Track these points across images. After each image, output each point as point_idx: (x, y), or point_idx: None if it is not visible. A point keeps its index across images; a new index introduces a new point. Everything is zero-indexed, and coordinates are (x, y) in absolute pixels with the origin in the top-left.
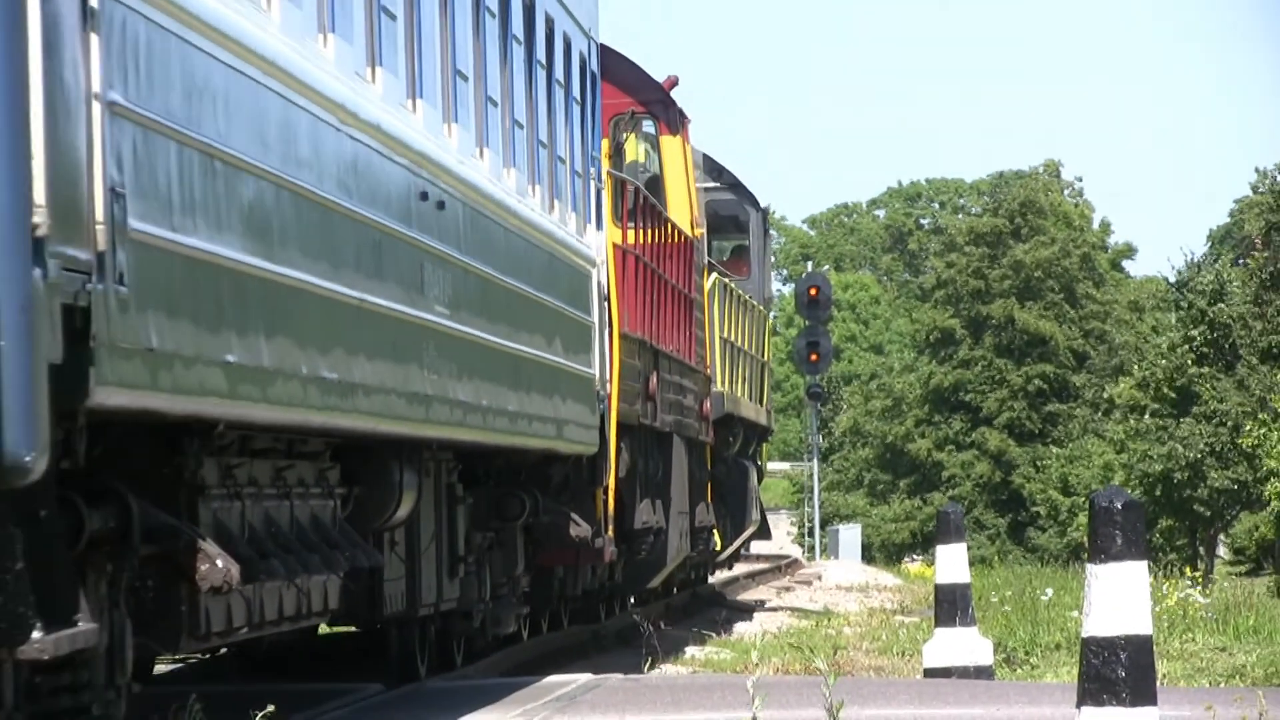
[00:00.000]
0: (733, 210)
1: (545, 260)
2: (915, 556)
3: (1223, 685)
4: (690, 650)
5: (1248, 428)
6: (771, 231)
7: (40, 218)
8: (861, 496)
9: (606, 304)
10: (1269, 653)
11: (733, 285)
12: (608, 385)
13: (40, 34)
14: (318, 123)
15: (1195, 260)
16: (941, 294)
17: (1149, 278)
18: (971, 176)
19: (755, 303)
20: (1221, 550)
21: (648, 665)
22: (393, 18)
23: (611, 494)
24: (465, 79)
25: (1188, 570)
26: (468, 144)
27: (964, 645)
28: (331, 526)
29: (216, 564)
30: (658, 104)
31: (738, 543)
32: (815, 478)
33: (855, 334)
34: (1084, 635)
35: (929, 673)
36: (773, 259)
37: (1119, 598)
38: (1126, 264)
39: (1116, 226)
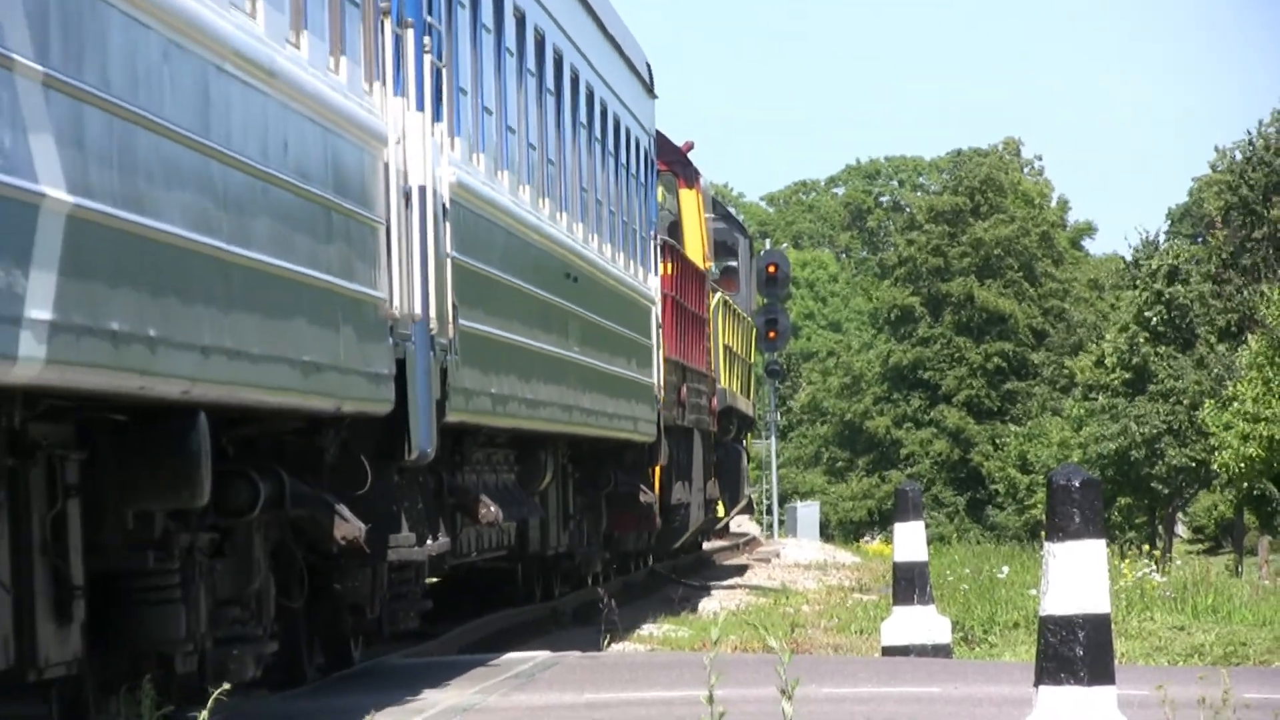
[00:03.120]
0: (724, 237)
1: (627, 304)
2: (873, 535)
3: (1181, 664)
4: (648, 628)
5: (1207, 405)
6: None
7: (433, 325)
8: (820, 474)
9: (660, 331)
10: (1227, 631)
11: (730, 301)
12: (660, 391)
13: (432, 224)
14: (524, 242)
15: (1151, 239)
16: (901, 271)
17: (1108, 256)
18: (931, 154)
19: (744, 314)
20: (1180, 529)
21: (606, 643)
22: (553, 164)
23: (658, 479)
24: (586, 190)
25: (1146, 549)
26: (587, 234)
27: (922, 623)
28: (513, 491)
29: (490, 509)
30: (678, 164)
31: (734, 512)
32: (773, 455)
33: (814, 311)
34: (1042, 614)
35: (887, 651)
36: (756, 276)
37: (1077, 576)
38: (1086, 243)
39: (1076, 205)
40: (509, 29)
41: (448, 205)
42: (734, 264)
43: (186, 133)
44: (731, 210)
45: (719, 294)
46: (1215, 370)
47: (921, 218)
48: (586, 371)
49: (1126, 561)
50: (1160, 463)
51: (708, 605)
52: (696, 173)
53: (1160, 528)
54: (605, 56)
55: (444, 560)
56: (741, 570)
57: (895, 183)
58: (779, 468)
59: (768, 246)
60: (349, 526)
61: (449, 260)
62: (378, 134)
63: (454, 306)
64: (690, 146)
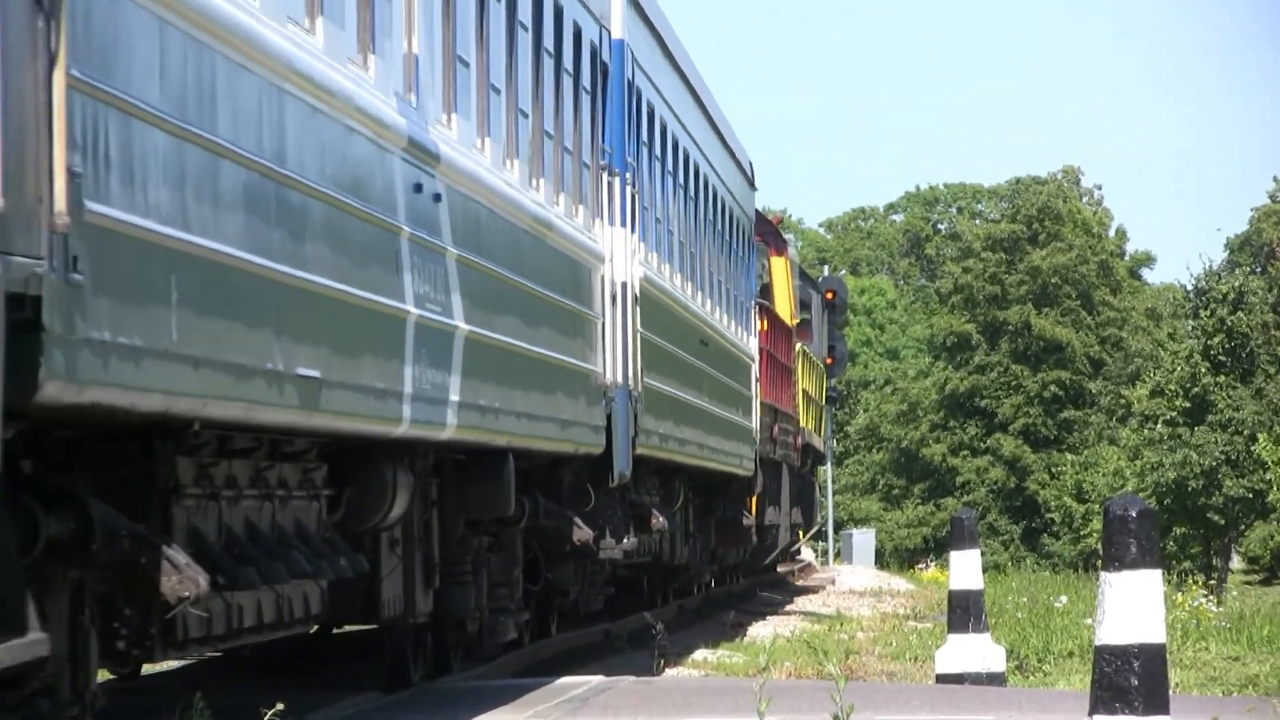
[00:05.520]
0: (801, 294)
1: (735, 361)
2: (928, 562)
3: (1235, 695)
4: (702, 653)
5: (1261, 439)
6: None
7: (630, 384)
8: (875, 501)
9: (758, 382)
10: None
11: (807, 350)
12: (757, 432)
13: (629, 311)
14: (678, 318)
15: (1214, 268)
16: (958, 299)
17: (1166, 285)
18: (989, 182)
19: (817, 360)
20: (1235, 560)
21: (660, 668)
22: (693, 254)
23: (754, 505)
24: (711, 272)
25: (1201, 579)
26: (712, 307)
27: (977, 651)
28: (661, 510)
29: (659, 520)
30: (770, 235)
31: (809, 534)
32: (829, 482)
33: (871, 338)
34: (1097, 643)
35: (941, 679)
36: (828, 328)
37: (1133, 606)
38: (1144, 272)
39: (1134, 234)
40: (669, 155)
41: (637, 295)
42: (809, 317)
43: (510, 275)
44: (791, 236)
45: (799, 344)
46: (1274, 400)
47: (978, 245)
48: (712, 417)
49: (1182, 591)
50: (1217, 493)
51: (762, 631)
52: (785, 242)
53: (1215, 558)
54: (725, 163)
55: (629, 557)
56: (796, 596)
57: (954, 210)
58: (835, 494)
59: (825, 273)
60: (582, 533)
61: (638, 336)
62: (600, 255)
63: (640, 369)
64: (779, 220)
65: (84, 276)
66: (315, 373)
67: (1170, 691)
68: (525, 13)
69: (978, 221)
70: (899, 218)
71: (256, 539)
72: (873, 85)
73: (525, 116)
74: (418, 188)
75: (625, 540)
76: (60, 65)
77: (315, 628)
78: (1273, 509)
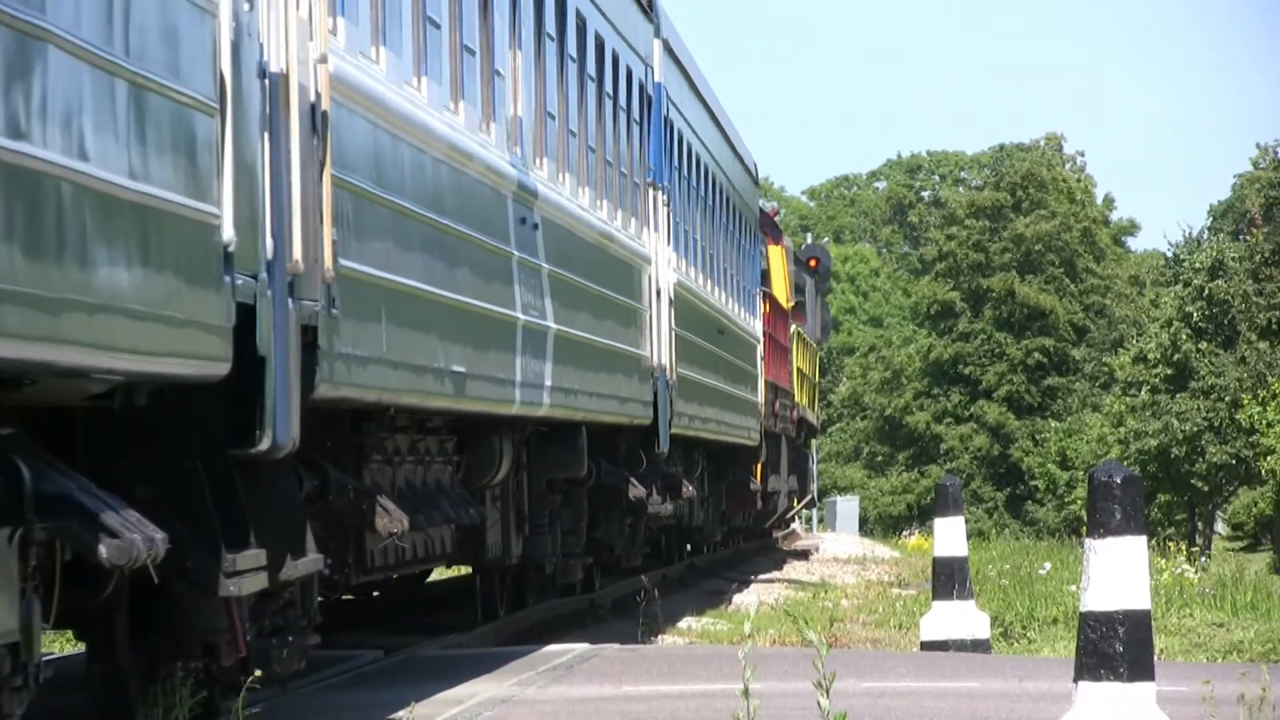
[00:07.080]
0: (794, 279)
1: (745, 345)
2: (912, 530)
3: (1220, 661)
4: (687, 621)
5: (1245, 403)
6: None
7: (668, 372)
8: (859, 469)
9: (762, 362)
10: (1266, 628)
11: (800, 331)
12: (761, 407)
13: (667, 310)
14: (701, 312)
15: (1194, 235)
16: (941, 267)
17: (1150, 252)
18: (973, 149)
19: (810, 340)
20: (1219, 526)
21: (641, 633)
22: (713, 256)
23: (759, 473)
24: (726, 268)
25: (1185, 546)
26: (727, 299)
27: (961, 618)
28: (686, 481)
29: (689, 488)
30: (767, 225)
31: (804, 501)
32: (813, 449)
33: (854, 306)
34: (1082, 610)
35: (926, 646)
36: (821, 312)
37: (1118, 572)
38: (1129, 240)
39: (1119, 201)
40: (694, 173)
41: (673, 298)
42: (803, 299)
43: (584, 281)
44: (774, 204)
45: (794, 326)
46: (1256, 367)
47: (962, 213)
48: (727, 397)
49: (1166, 558)
50: (1201, 460)
51: (746, 599)
52: (781, 231)
53: (1200, 524)
54: (734, 167)
55: (668, 518)
56: (780, 564)
57: (937, 177)
58: (819, 462)
59: (809, 241)
60: (637, 490)
61: (674, 333)
62: (647, 258)
63: (675, 362)
64: (776, 212)
65: (339, 310)
66: (462, 368)
67: (1155, 658)
68: (592, 66)
69: (961, 189)
70: (882, 185)
71: (414, 492)
72: (855, 52)
73: (593, 151)
74: (523, 220)
75: (667, 503)
76: (328, 168)
77: (443, 566)
78: (1256, 475)
